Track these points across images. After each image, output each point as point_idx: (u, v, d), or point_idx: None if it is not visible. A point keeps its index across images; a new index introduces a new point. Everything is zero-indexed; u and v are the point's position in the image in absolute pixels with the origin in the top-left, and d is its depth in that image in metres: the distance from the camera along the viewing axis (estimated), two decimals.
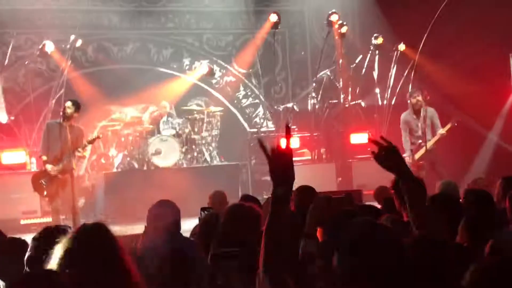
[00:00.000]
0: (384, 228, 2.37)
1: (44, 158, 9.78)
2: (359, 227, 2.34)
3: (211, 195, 6.66)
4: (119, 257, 2.66)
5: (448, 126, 10.59)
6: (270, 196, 2.50)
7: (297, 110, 13.77)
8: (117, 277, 2.59)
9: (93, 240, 2.66)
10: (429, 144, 10.50)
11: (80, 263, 2.58)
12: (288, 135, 2.53)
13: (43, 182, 9.68)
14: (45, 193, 9.75)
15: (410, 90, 10.89)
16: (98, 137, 10.19)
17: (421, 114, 10.63)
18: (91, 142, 10.01)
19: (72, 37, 11.74)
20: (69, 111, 9.66)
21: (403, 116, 10.99)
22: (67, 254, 2.60)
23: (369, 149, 2.78)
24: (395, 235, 2.34)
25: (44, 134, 9.94)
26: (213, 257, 2.69)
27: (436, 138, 10.62)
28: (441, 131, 10.57)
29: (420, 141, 10.67)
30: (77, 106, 9.80)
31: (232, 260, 2.66)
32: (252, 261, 3.17)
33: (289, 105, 13.66)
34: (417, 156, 10.61)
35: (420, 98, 10.66)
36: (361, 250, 2.26)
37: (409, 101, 10.81)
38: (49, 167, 9.63)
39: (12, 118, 11.71)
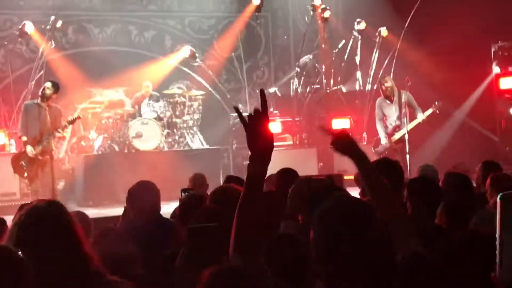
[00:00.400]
0: (360, 203, 2.24)
1: (24, 138, 9.70)
2: (332, 201, 2.21)
3: (191, 177, 6.67)
4: (75, 239, 2.50)
5: (429, 111, 10.57)
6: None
7: (279, 95, 13.77)
8: (72, 259, 2.46)
9: (45, 218, 2.50)
10: (409, 127, 10.45)
11: (30, 241, 2.45)
12: (263, 99, 2.59)
13: (23, 164, 9.61)
14: (25, 174, 9.67)
15: (379, 76, 10.88)
16: (78, 118, 10.16)
17: (394, 98, 10.60)
18: (71, 122, 9.94)
19: (52, 18, 11.60)
20: (48, 91, 9.59)
21: (377, 101, 10.95)
22: (17, 231, 2.49)
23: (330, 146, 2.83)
24: (372, 210, 2.20)
25: (23, 115, 9.84)
26: (190, 230, 2.65)
27: (415, 122, 10.54)
28: (422, 116, 10.54)
29: (394, 124, 10.62)
30: (56, 87, 9.73)
31: (209, 234, 2.63)
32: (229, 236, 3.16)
33: (271, 89, 13.64)
34: (395, 137, 10.58)
35: (389, 83, 10.61)
36: (332, 225, 2.13)
37: (380, 88, 10.77)
38: (28, 148, 9.55)
39: None
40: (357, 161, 2.78)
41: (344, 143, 2.84)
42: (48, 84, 9.74)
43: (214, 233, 2.67)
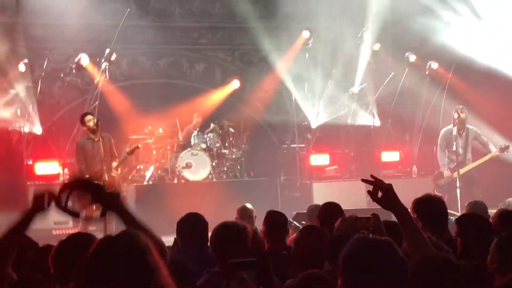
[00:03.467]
0: (381, 245, 2.34)
1: (87, 176, 9.78)
2: (352, 244, 2.34)
3: (239, 209, 6.70)
4: (150, 270, 2.31)
5: (496, 152, 10.45)
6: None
7: (329, 126, 13.76)
8: None
9: (120, 252, 2.30)
10: (478, 162, 10.41)
11: (102, 282, 2.26)
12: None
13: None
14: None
15: (457, 106, 10.68)
16: (137, 147, 10.23)
17: (464, 131, 10.48)
18: (131, 153, 10.04)
19: (107, 51, 11.92)
20: (92, 123, 9.70)
21: (442, 131, 10.83)
22: (88, 270, 2.31)
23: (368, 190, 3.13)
24: (394, 252, 2.32)
25: (80, 154, 9.93)
26: (231, 265, 2.70)
27: (487, 157, 10.45)
28: (495, 152, 10.43)
29: (458, 158, 10.44)
30: (93, 116, 9.86)
31: (248, 269, 2.68)
32: (267, 272, 3.21)
33: (321, 121, 13.65)
34: (462, 171, 10.41)
35: (464, 115, 10.49)
36: (352, 267, 2.27)
37: (454, 115, 10.56)
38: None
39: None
40: (399, 217, 3.06)
41: (389, 197, 3.05)
42: (89, 117, 9.79)
43: (254, 268, 2.72)
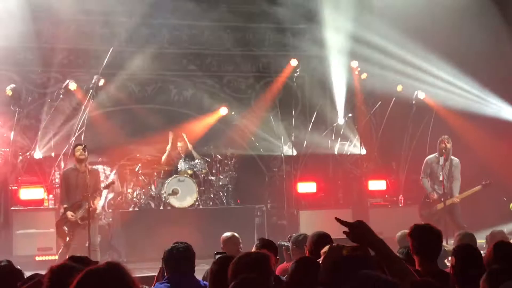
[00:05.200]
0: (387, 283, 2.40)
1: (65, 206, 9.78)
2: (355, 281, 2.40)
3: (223, 239, 6.63)
4: None
5: (478, 188, 10.62)
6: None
7: (316, 154, 13.78)
8: None
9: (107, 282, 2.28)
10: (463, 195, 10.62)
11: None
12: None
13: (66, 229, 9.66)
14: (67, 239, 9.66)
15: (443, 136, 10.80)
16: (112, 183, 10.36)
17: (447, 162, 10.56)
18: (106, 187, 10.16)
19: (95, 76, 11.91)
20: (79, 153, 9.69)
21: (427, 159, 10.93)
22: None
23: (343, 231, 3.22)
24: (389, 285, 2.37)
25: (63, 183, 9.93)
26: None
27: (470, 192, 10.64)
28: (478, 187, 10.60)
29: (440, 188, 10.52)
30: (84, 146, 9.84)
31: None
32: None
33: (308, 150, 13.67)
34: (448, 202, 10.49)
35: (449, 145, 10.61)
36: None
37: (438, 145, 10.68)
38: (69, 214, 9.61)
39: (52, 154, 11.80)
40: (376, 250, 3.17)
41: (361, 233, 3.17)
42: (79, 147, 9.77)
43: None
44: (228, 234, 6.75)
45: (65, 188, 9.84)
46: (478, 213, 11.42)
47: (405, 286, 2.94)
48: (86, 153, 9.73)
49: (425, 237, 4.43)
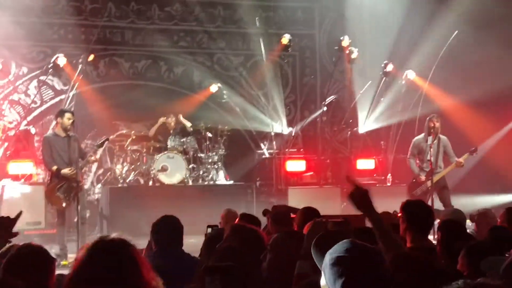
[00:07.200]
0: (369, 250, 2.44)
1: (54, 167, 9.29)
2: (338, 247, 2.43)
3: (223, 214, 6.56)
4: (141, 277, 2.32)
5: (466, 155, 10.64)
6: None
7: (305, 133, 13.82)
8: None
9: (113, 254, 2.33)
10: (446, 171, 10.58)
11: (97, 280, 2.27)
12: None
13: (60, 194, 9.27)
14: (64, 204, 9.25)
15: (432, 115, 10.82)
16: (107, 139, 9.88)
17: (435, 140, 10.60)
18: (100, 145, 9.68)
19: (85, 52, 11.84)
20: (69, 121, 9.28)
21: (414, 140, 10.97)
22: (84, 268, 2.30)
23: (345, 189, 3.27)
24: (375, 255, 2.42)
25: (46, 148, 9.45)
26: (206, 269, 2.69)
27: (452, 166, 10.64)
28: (460, 159, 10.59)
29: (429, 165, 10.57)
30: (72, 113, 9.53)
31: (224, 274, 2.66)
32: (243, 279, 3.20)
33: (297, 128, 13.71)
34: (435, 179, 10.55)
35: (438, 124, 10.65)
36: (340, 270, 2.33)
37: (427, 124, 10.69)
38: (65, 170, 9.20)
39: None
40: (370, 219, 3.30)
41: (361, 200, 3.28)
42: (69, 115, 9.38)
43: (230, 273, 2.72)
44: (227, 210, 6.64)
45: (49, 151, 9.35)
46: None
47: (389, 257, 2.98)
48: (74, 123, 9.40)
49: (416, 211, 4.50)
